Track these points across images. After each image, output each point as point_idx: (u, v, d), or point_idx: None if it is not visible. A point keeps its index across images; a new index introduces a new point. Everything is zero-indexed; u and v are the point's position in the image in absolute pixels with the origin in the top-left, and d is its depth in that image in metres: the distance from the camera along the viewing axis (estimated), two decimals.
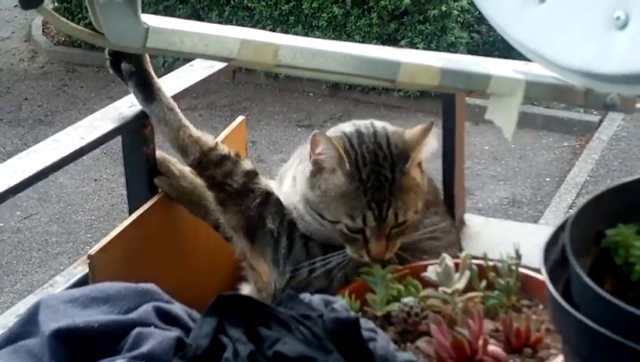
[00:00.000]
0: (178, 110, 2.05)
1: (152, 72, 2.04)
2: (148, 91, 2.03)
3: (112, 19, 1.27)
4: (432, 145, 1.97)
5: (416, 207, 1.93)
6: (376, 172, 1.89)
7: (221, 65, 2.21)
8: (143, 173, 2.05)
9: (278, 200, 2.04)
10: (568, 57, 1.35)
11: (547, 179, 6.53)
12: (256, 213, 2.01)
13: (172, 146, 2.06)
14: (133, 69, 2.02)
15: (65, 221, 6.16)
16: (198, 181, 2.09)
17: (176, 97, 2.06)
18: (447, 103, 2.26)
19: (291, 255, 1.98)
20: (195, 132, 2.05)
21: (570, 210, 6.00)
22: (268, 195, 2.03)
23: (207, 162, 2.03)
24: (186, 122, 2.05)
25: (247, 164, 2.05)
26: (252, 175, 2.04)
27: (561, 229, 1.35)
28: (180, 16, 8.13)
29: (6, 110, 7.93)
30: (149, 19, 1.30)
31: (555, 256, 1.33)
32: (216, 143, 2.05)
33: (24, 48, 9.50)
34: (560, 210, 6.03)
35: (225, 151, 2.04)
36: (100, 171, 6.71)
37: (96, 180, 6.64)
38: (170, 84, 2.13)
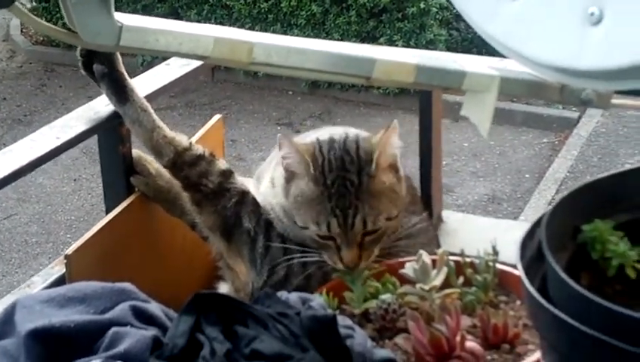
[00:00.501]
0: (152, 111, 2.04)
1: (125, 73, 2.03)
2: (121, 92, 2.02)
3: (85, 18, 1.26)
4: (397, 144, 1.94)
5: (389, 213, 1.90)
6: (342, 177, 1.87)
7: (198, 63, 2.21)
8: (120, 173, 2.04)
9: (254, 199, 2.03)
10: (543, 53, 1.35)
11: (527, 176, 6.55)
12: (232, 212, 2.00)
13: (146, 147, 2.05)
14: (106, 70, 2.01)
15: (44, 221, 6.14)
16: (175, 180, 2.09)
17: (152, 95, 2.05)
18: (423, 100, 2.26)
19: (268, 254, 1.97)
20: (169, 133, 2.04)
21: (550, 206, 6.02)
22: (244, 195, 2.02)
23: (181, 163, 2.01)
24: (160, 123, 2.04)
25: (222, 164, 2.04)
26: (227, 174, 2.03)
27: (537, 225, 1.35)
28: (158, 15, 8.13)
29: None
30: (123, 18, 1.30)
31: (532, 251, 1.33)
32: (191, 143, 2.04)
33: (2, 48, 9.45)
34: (540, 206, 6.05)
35: (199, 151, 2.03)
36: (79, 171, 6.69)
37: (75, 180, 6.62)
38: (147, 83, 2.13)
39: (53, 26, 1.31)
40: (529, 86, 1.55)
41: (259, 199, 2.03)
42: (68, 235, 5.96)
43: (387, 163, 1.92)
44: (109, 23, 1.27)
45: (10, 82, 8.53)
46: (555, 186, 6.31)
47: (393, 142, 1.93)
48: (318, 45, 1.41)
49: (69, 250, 1.84)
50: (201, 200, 2.02)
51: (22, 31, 9.45)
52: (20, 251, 5.81)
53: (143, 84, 2.09)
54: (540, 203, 6.10)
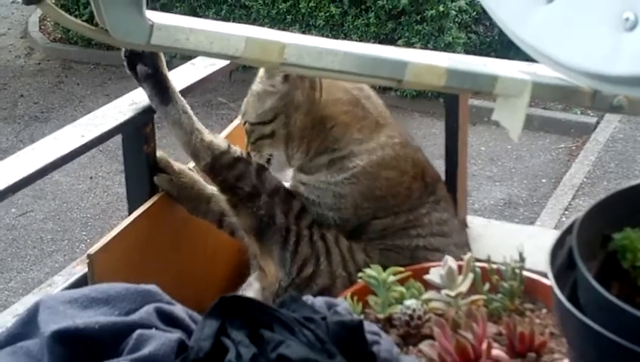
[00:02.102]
0: (192, 113, 2.06)
1: (168, 74, 2.04)
2: (163, 93, 2.03)
3: (117, 16, 1.25)
4: None
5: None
6: None
7: (223, 63, 2.20)
8: (143, 173, 2.03)
9: (286, 193, 2.06)
10: (576, 58, 1.33)
11: (543, 181, 6.52)
12: (265, 212, 2.02)
13: (185, 150, 2.06)
14: (149, 71, 2.01)
15: (60, 218, 6.14)
16: (197, 177, 2.09)
17: (181, 93, 2.05)
18: (449, 104, 2.24)
19: (298, 252, 1.98)
20: (208, 136, 2.05)
21: (567, 212, 6.00)
22: (277, 190, 2.04)
23: (219, 166, 2.02)
24: (200, 125, 2.05)
25: (256, 162, 2.07)
26: (261, 172, 2.04)
27: (568, 232, 1.34)
28: (176, 14, 8.14)
29: (2, 107, 7.91)
30: (154, 16, 1.29)
31: (562, 259, 1.31)
32: (229, 146, 2.05)
33: (20, 45, 9.48)
34: (556, 211, 6.03)
35: (237, 154, 2.05)
36: (96, 169, 6.69)
37: (91, 178, 6.62)
38: (175, 81, 2.12)
39: (84, 24, 1.30)
40: (560, 91, 1.53)
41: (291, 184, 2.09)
42: (83, 233, 5.96)
43: None
44: (141, 21, 1.26)
45: (28, 79, 8.54)
46: (572, 192, 6.29)
47: None
48: (350, 47, 1.39)
49: (92, 250, 1.83)
50: (237, 203, 2.03)
51: (40, 28, 9.48)
52: (35, 248, 5.82)
53: None
54: (557, 208, 6.07)
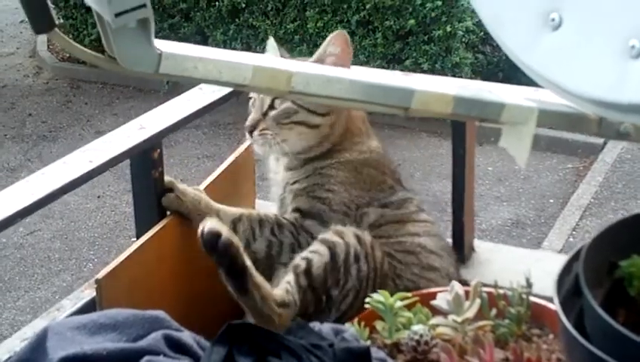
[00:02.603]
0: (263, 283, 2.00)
1: (247, 262, 1.97)
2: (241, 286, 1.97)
3: (125, 45, 1.26)
4: None
5: None
6: None
7: (230, 88, 2.21)
8: (151, 197, 2.04)
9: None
10: (582, 85, 1.34)
11: (551, 201, 6.52)
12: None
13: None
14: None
15: (68, 238, 6.15)
16: (203, 195, 2.15)
17: (186, 120, 2.05)
18: (456, 128, 2.25)
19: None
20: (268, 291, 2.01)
21: (574, 232, 6.00)
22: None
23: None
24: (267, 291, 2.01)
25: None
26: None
27: (574, 259, 1.34)
28: (184, 34, 8.17)
29: (10, 126, 7.93)
30: (162, 45, 1.29)
31: (568, 286, 1.32)
32: (283, 299, 2.00)
33: (29, 64, 9.51)
34: (564, 231, 6.02)
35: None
36: (104, 188, 6.70)
37: (99, 197, 6.63)
38: (180, 107, 2.13)
39: (92, 52, 1.31)
40: (567, 118, 1.53)
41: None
42: (91, 252, 5.97)
43: None
44: (149, 50, 1.26)
45: (36, 98, 8.57)
46: (580, 212, 6.28)
47: None
48: (356, 75, 1.40)
49: (100, 275, 1.83)
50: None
51: (48, 47, 9.51)
52: (42, 267, 5.82)
53: (177, 108, 2.09)
54: (564, 228, 6.07)
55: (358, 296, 1.99)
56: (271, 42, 2.32)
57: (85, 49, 1.29)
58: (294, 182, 2.23)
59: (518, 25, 1.43)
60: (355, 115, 2.28)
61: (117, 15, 1.22)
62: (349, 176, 2.20)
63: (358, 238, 2.03)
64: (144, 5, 1.23)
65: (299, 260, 2.01)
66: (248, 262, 1.92)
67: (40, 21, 1.24)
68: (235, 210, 2.16)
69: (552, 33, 1.36)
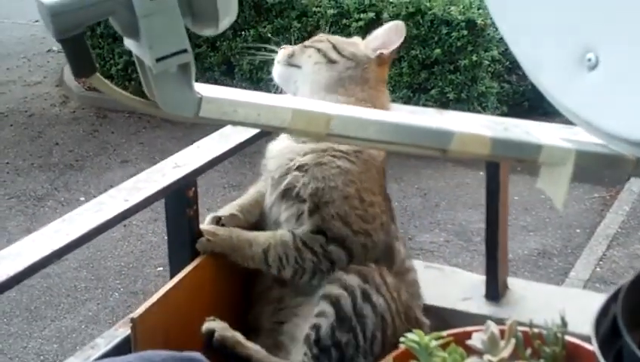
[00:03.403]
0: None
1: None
2: None
3: (166, 89, 1.26)
4: None
5: None
6: None
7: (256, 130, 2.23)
8: (186, 235, 2.04)
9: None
10: (618, 126, 1.34)
11: (577, 231, 6.49)
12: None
13: None
14: None
15: (94, 267, 6.16)
16: (234, 229, 2.16)
17: (220, 158, 2.06)
18: (490, 164, 2.24)
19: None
20: None
21: (601, 262, 5.97)
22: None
23: None
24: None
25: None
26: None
27: (612, 300, 1.33)
28: (211, 63, 8.20)
29: (37, 155, 7.96)
30: (202, 89, 1.30)
31: (606, 327, 1.31)
32: None
33: (56, 93, 9.56)
34: (590, 261, 5.99)
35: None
36: (130, 217, 6.69)
37: (125, 226, 6.64)
38: (215, 145, 2.14)
39: (133, 97, 1.31)
40: (603, 159, 1.53)
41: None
42: (117, 281, 5.97)
43: None
44: (190, 94, 1.27)
45: (63, 127, 8.60)
46: (607, 242, 6.25)
47: None
48: (395, 117, 1.40)
49: (135, 314, 1.84)
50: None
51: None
52: (69, 296, 5.83)
53: (211, 146, 2.10)
54: (591, 258, 6.04)
55: (386, 332, 2.00)
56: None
57: (126, 93, 1.30)
58: (299, 167, 2.17)
59: (554, 65, 1.43)
60: (382, 91, 2.32)
61: (158, 60, 1.23)
62: (361, 170, 2.17)
63: (364, 276, 2.04)
64: (185, 50, 1.23)
65: (308, 330, 2.04)
66: (252, 350, 2.01)
67: (82, 66, 1.25)
68: (264, 239, 2.15)
69: (588, 73, 1.37)
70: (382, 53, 2.27)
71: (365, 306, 2.00)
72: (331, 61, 2.24)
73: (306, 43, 2.32)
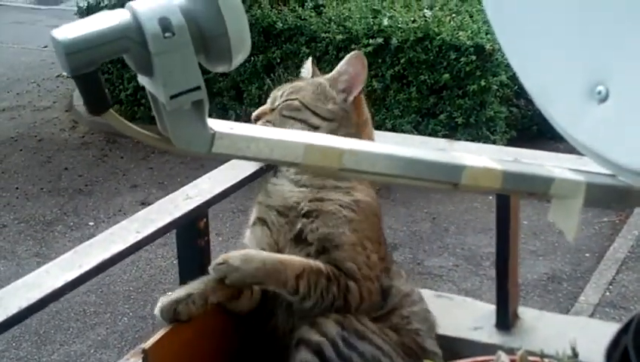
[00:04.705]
0: None
1: None
2: None
3: (179, 126, 1.27)
4: None
5: None
6: None
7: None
8: (197, 266, 2.05)
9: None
10: (628, 158, 1.34)
11: (587, 255, 6.47)
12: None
13: None
14: None
15: (103, 291, 6.16)
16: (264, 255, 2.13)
17: (231, 189, 2.07)
18: (501, 197, 2.25)
19: None
20: None
21: (611, 286, 5.95)
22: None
23: None
24: None
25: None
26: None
27: (623, 332, 1.33)
28: (219, 89, 8.22)
29: (46, 179, 7.98)
30: (215, 124, 1.31)
31: (617, 359, 1.31)
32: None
33: (65, 118, 9.59)
34: (600, 286, 5.98)
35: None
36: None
37: None
38: (226, 176, 2.14)
39: (146, 132, 1.32)
40: (615, 191, 1.53)
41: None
42: (126, 306, 5.98)
43: None
44: (203, 130, 1.27)
45: (72, 152, 8.63)
46: (616, 266, 6.24)
47: None
48: (407, 152, 1.41)
49: (147, 344, 1.84)
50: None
51: None
52: (77, 321, 5.83)
53: (223, 178, 2.11)
54: (601, 283, 6.02)
55: None
56: (307, 64, 2.44)
57: (139, 129, 1.31)
58: (307, 214, 2.19)
59: (564, 97, 1.43)
60: (366, 131, 2.33)
61: (172, 97, 1.23)
62: (362, 219, 2.21)
63: (341, 324, 2.05)
64: (199, 87, 1.24)
65: None
66: None
67: (96, 103, 1.25)
68: (299, 264, 2.11)
69: (598, 106, 1.37)
70: (355, 96, 2.29)
71: (351, 353, 2.00)
72: (315, 127, 2.24)
73: (281, 111, 2.29)
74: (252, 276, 2.06)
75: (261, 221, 2.24)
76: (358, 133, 2.27)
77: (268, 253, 2.14)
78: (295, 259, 2.12)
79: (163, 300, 2.02)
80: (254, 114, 2.31)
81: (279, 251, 2.17)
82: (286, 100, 2.29)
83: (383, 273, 2.20)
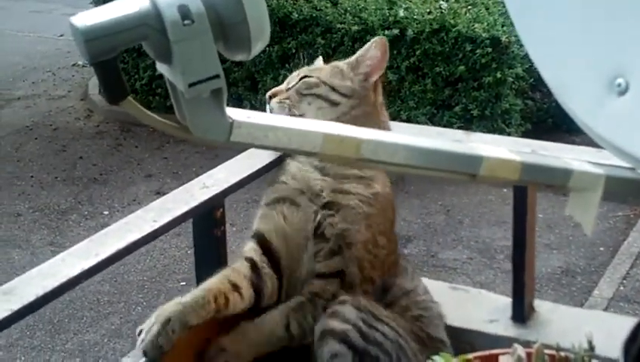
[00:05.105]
0: None
1: None
2: None
3: (198, 114, 1.27)
4: None
5: None
6: None
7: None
8: (213, 256, 2.05)
9: None
10: None
11: (601, 249, 6.46)
12: None
13: None
14: None
15: (117, 281, 6.17)
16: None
17: (248, 178, 2.06)
18: (518, 190, 2.24)
19: None
20: None
21: (625, 281, 5.94)
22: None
23: None
24: None
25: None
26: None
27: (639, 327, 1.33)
28: (235, 79, 8.21)
29: (61, 168, 7.99)
30: (233, 113, 1.30)
31: (635, 353, 1.30)
32: None
33: (80, 107, 9.59)
34: (614, 280, 5.96)
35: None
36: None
37: None
38: (243, 166, 2.14)
39: (164, 121, 1.32)
40: (633, 184, 1.53)
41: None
42: (140, 295, 5.98)
43: None
44: (221, 119, 1.27)
45: (87, 141, 8.63)
46: (630, 260, 6.22)
47: None
48: (425, 143, 1.40)
49: None
50: None
51: (100, 91, 9.58)
52: (91, 310, 5.84)
53: (239, 167, 2.10)
54: (615, 277, 6.01)
55: (408, 356, 2.00)
56: (319, 61, 2.45)
57: (157, 117, 1.31)
58: (327, 205, 2.19)
59: (583, 89, 1.43)
60: (383, 112, 2.34)
61: (191, 85, 1.23)
62: (379, 212, 2.22)
63: (357, 306, 2.06)
64: (218, 75, 1.24)
65: None
66: None
67: (114, 91, 1.25)
68: (279, 316, 2.14)
69: (617, 99, 1.36)
70: (375, 80, 2.30)
71: (375, 334, 2.00)
72: (334, 104, 2.24)
73: (299, 89, 2.29)
74: (249, 355, 2.10)
75: (288, 201, 2.23)
76: (375, 113, 2.29)
77: (252, 328, 2.12)
78: (272, 316, 2.13)
79: (144, 338, 2.04)
80: (269, 92, 2.31)
81: (299, 244, 2.18)
82: (304, 77, 2.29)
83: (389, 269, 2.19)
